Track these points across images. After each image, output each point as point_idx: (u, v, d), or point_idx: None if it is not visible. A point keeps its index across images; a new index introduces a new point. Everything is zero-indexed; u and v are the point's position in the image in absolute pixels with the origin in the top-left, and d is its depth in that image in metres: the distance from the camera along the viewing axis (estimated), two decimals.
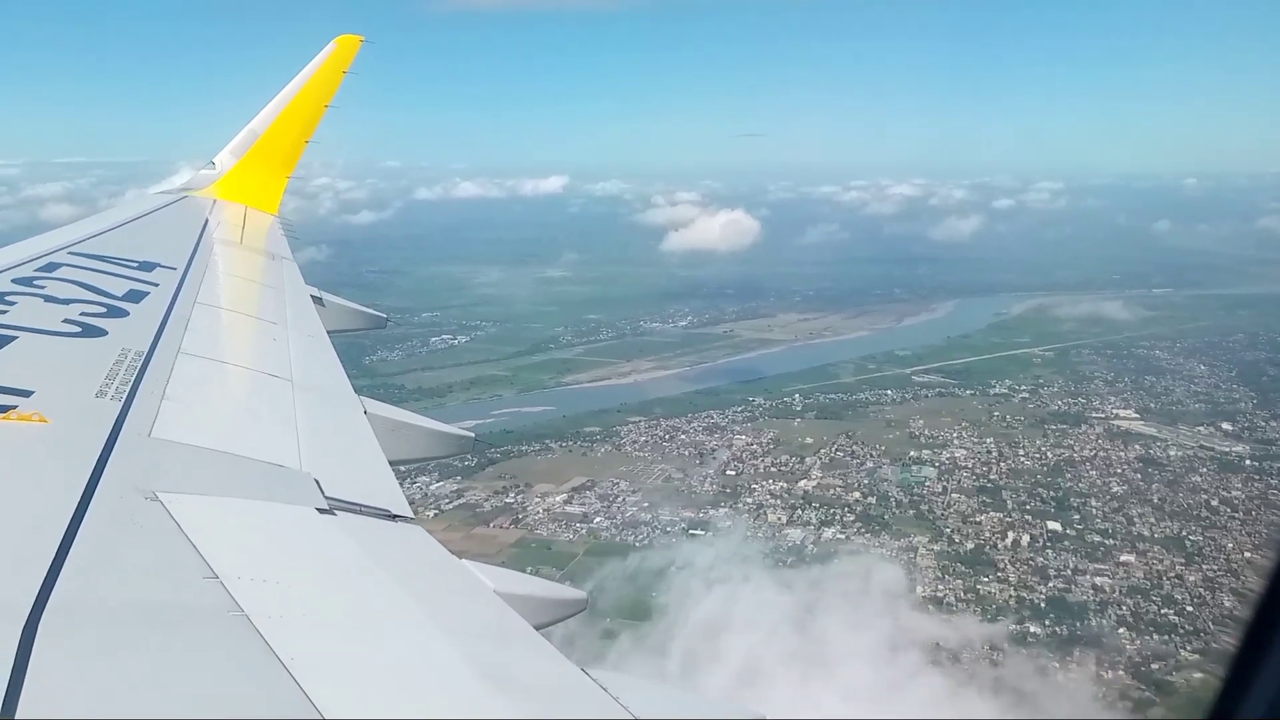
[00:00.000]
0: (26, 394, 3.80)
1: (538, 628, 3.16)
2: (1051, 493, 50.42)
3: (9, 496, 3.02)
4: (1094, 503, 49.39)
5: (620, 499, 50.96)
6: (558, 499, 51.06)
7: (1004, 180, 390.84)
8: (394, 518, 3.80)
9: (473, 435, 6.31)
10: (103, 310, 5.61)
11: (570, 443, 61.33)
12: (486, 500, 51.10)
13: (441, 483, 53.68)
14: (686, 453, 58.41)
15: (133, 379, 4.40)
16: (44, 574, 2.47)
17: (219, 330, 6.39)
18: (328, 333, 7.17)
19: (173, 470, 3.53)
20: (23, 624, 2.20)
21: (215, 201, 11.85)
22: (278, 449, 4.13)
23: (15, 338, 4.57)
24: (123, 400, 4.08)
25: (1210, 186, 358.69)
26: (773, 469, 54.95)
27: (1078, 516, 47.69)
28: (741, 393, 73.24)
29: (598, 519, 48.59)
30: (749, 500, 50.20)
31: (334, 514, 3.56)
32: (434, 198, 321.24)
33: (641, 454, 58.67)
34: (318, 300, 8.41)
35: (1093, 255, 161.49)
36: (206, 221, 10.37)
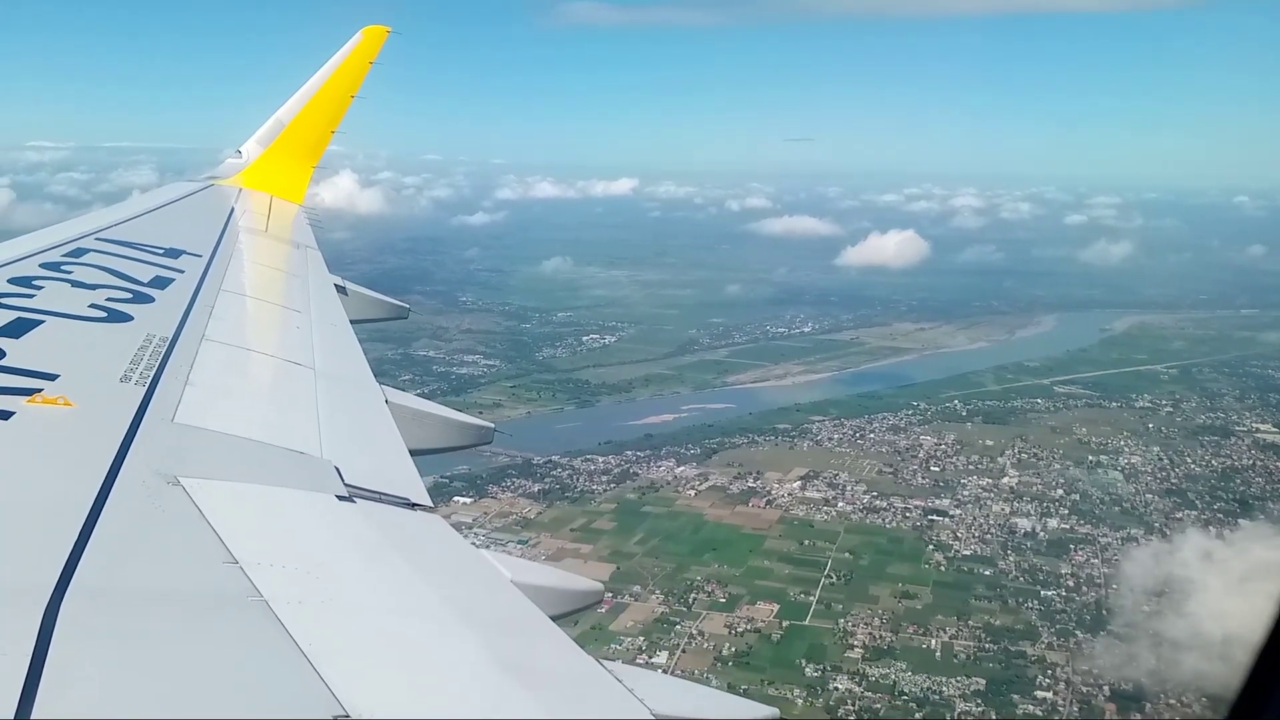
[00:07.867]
0: (52, 378, 3.88)
1: (555, 618, 3.23)
2: (1232, 495, 57.22)
3: (33, 479, 3.10)
4: (1271, 505, 56.15)
5: (848, 487, 58.12)
6: (793, 485, 58.34)
7: (1053, 191, 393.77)
8: (414, 506, 3.87)
9: (492, 426, 6.40)
10: (129, 296, 5.68)
11: (770, 437, 68.67)
12: (730, 484, 58.48)
13: (682, 467, 61.30)
14: (883, 450, 65.55)
15: (157, 364, 4.44)
16: (66, 557, 2.50)
17: (243, 317, 6.48)
18: (351, 322, 7.29)
19: (195, 455, 3.59)
20: (44, 607, 2.22)
21: (241, 190, 11.85)
22: (299, 436, 4.19)
23: (42, 322, 4.62)
24: (147, 385, 4.14)
25: (1264, 205, 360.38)
26: (969, 466, 61.98)
27: (1262, 517, 54.39)
28: (902, 397, 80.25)
29: (839, 504, 55.81)
30: (964, 494, 57.26)
31: (354, 502, 3.63)
32: (515, 197, 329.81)
33: (842, 449, 65.88)
34: (341, 289, 8.53)
35: (1171, 273, 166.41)
36: (232, 210, 10.49)
